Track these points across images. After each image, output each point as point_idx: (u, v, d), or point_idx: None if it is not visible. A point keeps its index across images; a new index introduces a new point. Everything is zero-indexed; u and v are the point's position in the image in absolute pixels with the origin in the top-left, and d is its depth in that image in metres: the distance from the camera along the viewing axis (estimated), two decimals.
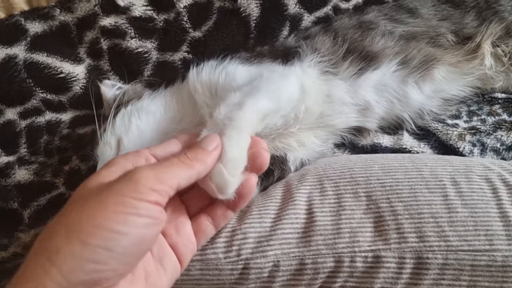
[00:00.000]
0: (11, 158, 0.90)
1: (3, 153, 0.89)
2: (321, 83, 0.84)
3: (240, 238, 0.67)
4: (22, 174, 0.89)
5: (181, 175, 0.53)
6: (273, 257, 0.65)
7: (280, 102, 0.75)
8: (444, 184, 0.68)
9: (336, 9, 1.02)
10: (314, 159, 0.86)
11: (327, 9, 1.01)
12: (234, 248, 0.66)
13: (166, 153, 0.60)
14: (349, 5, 1.02)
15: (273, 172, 0.81)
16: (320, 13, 1.00)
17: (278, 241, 0.67)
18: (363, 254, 0.63)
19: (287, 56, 0.87)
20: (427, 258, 0.62)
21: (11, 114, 0.91)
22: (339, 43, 0.88)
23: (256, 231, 0.68)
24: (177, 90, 0.90)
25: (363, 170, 0.73)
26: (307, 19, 1.00)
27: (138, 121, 0.84)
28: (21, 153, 0.91)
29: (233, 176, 0.58)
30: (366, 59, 0.86)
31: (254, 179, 0.60)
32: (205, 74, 0.85)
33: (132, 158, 0.56)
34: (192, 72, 0.87)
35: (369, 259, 0.63)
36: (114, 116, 0.84)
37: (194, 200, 0.63)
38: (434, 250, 0.62)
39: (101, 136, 0.84)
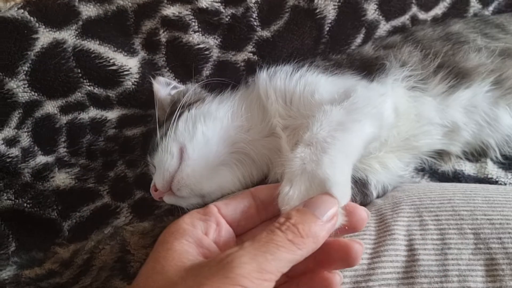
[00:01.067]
0: (49, 159, 0.79)
1: (40, 152, 0.78)
2: (410, 100, 0.76)
3: None
4: (62, 178, 0.78)
5: (290, 260, 0.40)
6: None
7: (382, 128, 0.67)
8: None
9: (414, 19, 0.94)
10: (396, 184, 0.77)
11: (405, 18, 0.93)
12: None
13: (238, 213, 0.49)
14: (428, 16, 0.95)
15: (355, 198, 0.72)
16: (397, 22, 0.92)
17: (378, 282, 0.58)
18: None
19: (370, 68, 0.78)
20: None
21: (51, 107, 0.80)
22: (431, 56, 0.79)
23: (352, 269, 0.59)
24: (245, 96, 0.81)
25: (465, 203, 0.65)
26: (383, 27, 0.92)
27: (204, 128, 0.74)
28: (60, 153, 0.80)
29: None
30: (458, 76, 0.78)
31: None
32: (280, 81, 0.77)
33: (200, 223, 0.46)
34: (263, 77, 0.79)
35: None
36: (176, 120, 0.74)
37: None
38: None
39: (159, 142, 0.74)
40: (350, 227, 0.48)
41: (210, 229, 0.46)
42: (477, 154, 0.84)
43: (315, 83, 0.74)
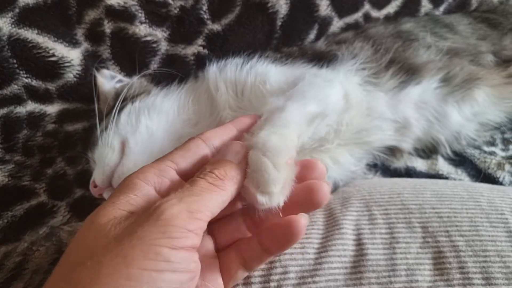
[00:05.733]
0: None
1: None
2: (363, 93, 0.75)
3: (280, 273, 0.55)
4: None
5: (214, 202, 0.42)
6: None
7: (328, 108, 0.65)
8: (506, 218, 0.60)
9: (367, 17, 0.94)
10: (347, 179, 0.76)
11: (358, 15, 0.93)
12: (272, 284, 0.54)
13: (193, 165, 0.47)
14: (380, 14, 0.95)
15: None
16: (350, 19, 0.92)
17: (325, 277, 0.55)
18: None
19: (322, 59, 0.77)
20: None
21: None
22: (382, 51, 0.79)
23: (298, 264, 0.57)
24: (193, 88, 0.78)
25: (414, 197, 0.64)
26: (336, 24, 0.92)
27: (148, 121, 0.71)
28: None
29: (278, 170, 0.46)
30: (409, 72, 0.78)
31: (303, 220, 0.48)
32: (230, 72, 0.75)
33: (155, 178, 0.44)
34: (213, 69, 0.76)
35: None
36: (118, 112, 0.70)
37: (222, 230, 0.52)
38: None
39: (100, 135, 0.69)
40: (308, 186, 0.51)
41: (162, 186, 0.44)
42: (428, 150, 0.85)
43: (266, 72, 0.72)
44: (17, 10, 0.74)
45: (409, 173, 0.81)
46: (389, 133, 0.79)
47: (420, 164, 0.83)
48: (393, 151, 0.82)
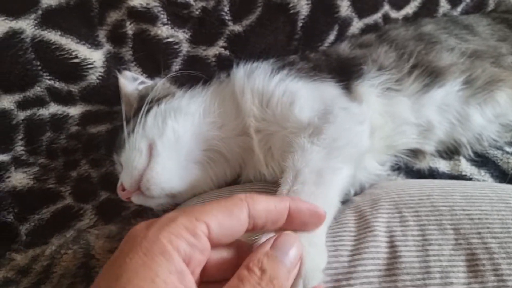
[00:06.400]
0: (4, 158, 0.72)
1: None
2: (384, 103, 0.76)
3: None
4: (19, 179, 0.72)
5: None
6: None
7: (360, 152, 0.68)
8: None
9: (386, 18, 0.94)
10: (372, 182, 0.76)
11: (377, 16, 0.93)
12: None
13: (227, 233, 0.41)
14: (399, 15, 0.95)
15: None
16: (369, 19, 0.92)
17: (359, 280, 0.55)
18: None
19: (348, 71, 0.77)
20: None
21: (7, 102, 0.73)
22: (405, 57, 0.79)
23: (332, 267, 0.56)
24: (218, 91, 0.77)
25: (444, 199, 0.64)
26: (356, 24, 0.91)
27: (175, 124, 0.70)
28: (17, 152, 0.74)
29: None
30: (432, 75, 0.78)
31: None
32: (258, 81, 0.74)
33: (186, 249, 0.38)
34: (240, 74, 0.76)
35: None
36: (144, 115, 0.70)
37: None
38: None
39: (126, 139, 0.69)
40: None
41: (192, 259, 0.38)
42: (450, 152, 0.84)
43: (295, 92, 0.72)
44: (40, 12, 0.74)
45: (433, 174, 0.81)
46: (412, 136, 0.79)
47: (442, 165, 0.82)
48: (415, 153, 0.82)
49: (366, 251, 0.57)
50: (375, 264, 0.57)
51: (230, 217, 0.40)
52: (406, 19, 0.96)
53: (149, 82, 0.82)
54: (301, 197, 0.56)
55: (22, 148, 0.75)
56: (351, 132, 0.68)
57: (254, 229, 0.41)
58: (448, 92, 0.79)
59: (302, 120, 0.68)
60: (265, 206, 0.42)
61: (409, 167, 0.82)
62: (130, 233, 0.38)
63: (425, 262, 0.56)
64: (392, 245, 0.58)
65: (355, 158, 0.67)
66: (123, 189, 0.69)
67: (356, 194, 0.74)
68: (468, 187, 0.67)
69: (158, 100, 0.73)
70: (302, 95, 0.72)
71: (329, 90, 0.75)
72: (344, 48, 0.85)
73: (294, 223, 0.45)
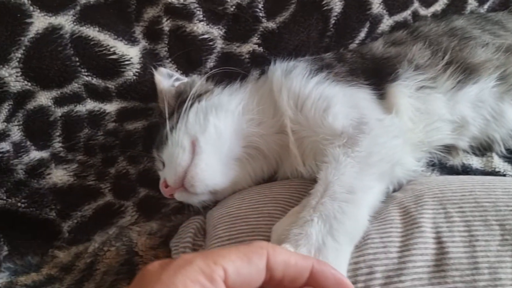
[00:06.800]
0: (44, 154, 0.72)
1: (32, 147, 0.71)
2: (417, 102, 0.76)
3: (366, 273, 0.56)
4: (59, 175, 0.72)
5: None
6: None
7: (392, 173, 0.68)
8: None
9: (415, 15, 0.94)
10: (409, 178, 0.76)
11: (407, 13, 0.93)
12: (359, 285, 0.54)
13: (244, 282, 0.39)
14: (428, 12, 0.95)
15: None
16: (399, 17, 0.92)
17: (410, 276, 0.56)
18: None
19: (383, 72, 0.78)
20: None
21: (44, 98, 0.73)
22: (440, 53, 0.79)
23: (383, 264, 0.57)
24: (256, 88, 0.78)
25: (486, 194, 0.65)
26: (386, 22, 0.92)
27: (216, 120, 0.71)
28: (55, 148, 0.73)
29: None
30: (466, 72, 0.79)
31: None
32: (296, 83, 0.74)
33: None
34: (278, 73, 0.76)
35: None
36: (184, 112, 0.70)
37: None
38: None
39: (168, 135, 0.69)
40: None
41: None
42: (483, 148, 0.85)
43: (331, 97, 0.72)
44: (78, 8, 0.73)
45: (466, 170, 0.81)
46: (447, 132, 0.79)
47: (475, 162, 0.83)
48: (449, 149, 0.82)
49: (415, 247, 0.58)
50: (424, 260, 0.57)
51: (248, 264, 0.38)
52: (435, 16, 0.96)
53: (184, 79, 0.82)
54: (329, 213, 0.56)
55: (60, 144, 0.75)
56: (386, 147, 0.68)
57: (271, 282, 0.39)
58: (482, 88, 0.79)
59: (336, 128, 0.68)
60: (285, 259, 0.39)
61: (443, 164, 0.82)
62: (143, 274, 0.36)
63: (473, 258, 0.57)
64: (439, 241, 0.59)
65: (389, 173, 0.67)
66: (167, 186, 0.69)
67: (394, 190, 0.74)
68: (508, 183, 0.68)
69: (199, 97, 0.73)
70: (338, 101, 0.72)
71: (365, 97, 0.75)
72: (378, 46, 0.85)
73: (315, 286, 0.41)
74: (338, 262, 0.52)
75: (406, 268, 0.55)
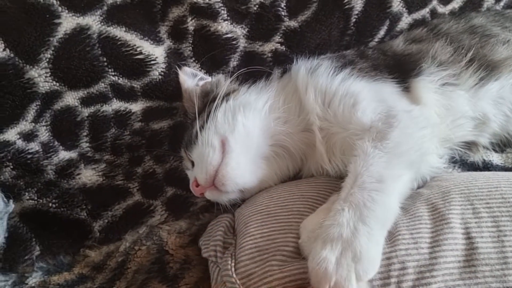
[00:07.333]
0: (72, 154, 0.72)
1: (61, 147, 0.72)
2: (441, 98, 0.77)
3: (398, 268, 0.56)
4: (88, 175, 0.72)
5: None
6: None
7: (420, 162, 0.69)
8: None
9: (433, 13, 0.95)
10: (433, 174, 0.77)
11: (425, 11, 0.94)
12: (392, 280, 0.55)
13: None
14: (446, 10, 0.96)
15: None
16: (418, 14, 0.93)
17: (441, 271, 0.57)
18: None
19: (407, 71, 0.78)
20: None
21: (71, 98, 0.73)
22: (463, 51, 0.80)
23: (414, 259, 0.58)
24: (282, 87, 0.78)
25: None
26: (405, 19, 0.92)
27: (244, 119, 0.71)
28: (83, 148, 0.74)
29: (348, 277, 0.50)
30: (487, 69, 0.79)
31: None
32: (322, 80, 0.74)
33: None
34: (302, 71, 0.77)
35: None
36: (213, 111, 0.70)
37: None
38: None
39: (198, 134, 0.69)
40: None
41: None
42: (502, 144, 0.86)
43: (357, 93, 0.72)
44: (105, 8, 0.73)
45: (487, 166, 0.82)
46: (469, 129, 0.80)
47: (496, 158, 0.84)
48: (470, 145, 0.83)
49: (445, 243, 0.59)
50: (455, 255, 0.58)
51: None
52: (452, 13, 0.97)
53: (208, 78, 0.82)
54: (358, 202, 0.57)
55: (88, 144, 0.75)
56: (414, 137, 0.69)
57: None
58: (503, 85, 0.80)
59: (365, 123, 0.69)
60: None
61: (464, 160, 0.83)
62: None
63: (502, 253, 0.58)
64: (468, 237, 0.60)
65: (417, 162, 0.68)
66: (197, 185, 0.69)
67: (419, 187, 0.75)
68: None
69: (226, 96, 0.74)
70: (365, 97, 0.72)
71: (391, 91, 0.76)
72: (399, 44, 0.86)
73: None
74: (371, 245, 0.53)
75: (437, 264, 0.56)
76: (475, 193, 0.65)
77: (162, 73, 0.78)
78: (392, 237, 0.59)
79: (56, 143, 0.73)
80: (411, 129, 0.69)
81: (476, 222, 0.61)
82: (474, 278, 0.56)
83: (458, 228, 0.60)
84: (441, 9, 0.95)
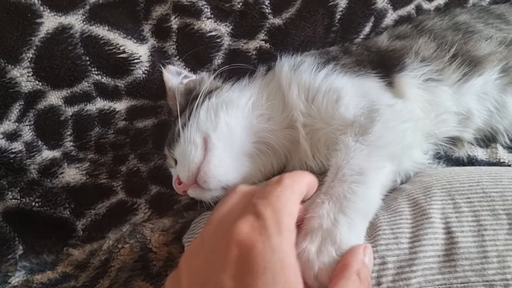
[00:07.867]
0: (56, 154, 0.72)
1: (44, 146, 0.72)
2: (425, 94, 0.77)
3: (378, 263, 0.57)
4: (72, 174, 0.72)
5: None
6: (417, 285, 0.55)
7: (402, 155, 0.69)
8: None
9: (419, 9, 0.95)
10: (416, 170, 0.77)
11: (411, 7, 0.94)
12: (372, 275, 0.56)
13: None
14: (431, 6, 0.96)
15: None
16: (403, 11, 0.93)
17: (421, 266, 0.57)
18: None
19: (389, 64, 0.78)
20: None
21: (55, 98, 0.73)
22: (446, 47, 0.80)
23: (394, 254, 0.58)
24: (265, 84, 0.78)
25: (493, 184, 0.66)
26: (390, 16, 0.92)
27: (227, 117, 0.71)
28: (67, 148, 0.74)
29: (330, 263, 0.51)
30: (471, 64, 0.80)
31: None
32: (305, 77, 0.75)
33: None
34: (285, 68, 0.77)
35: None
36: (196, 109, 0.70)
37: None
38: None
39: (180, 132, 0.69)
40: None
41: None
42: (487, 139, 0.86)
43: (340, 88, 0.73)
44: (87, 7, 0.73)
45: (472, 162, 0.82)
46: (453, 125, 0.80)
47: (480, 153, 0.84)
48: (455, 141, 0.83)
49: (425, 238, 0.59)
50: (434, 250, 0.58)
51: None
52: (438, 9, 0.97)
53: (192, 76, 0.82)
54: (339, 194, 0.57)
55: (72, 143, 0.75)
56: (396, 130, 0.69)
57: None
58: (486, 80, 0.80)
59: (348, 118, 0.69)
60: None
61: (449, 156, 0.83)
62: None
63: (482, 247, 0.58)
64: (448, 231, 0.60)
65: (399, 155, 0.68)
66: (180, 183, 0.69)
67: (402, 182, 0.75)
68: None
69: (209, 94, 0.74)
70: (348, 92, 0.73)
71: (374, 85, 0.76)
72: (383, 40, 0.86)
73: None
74: (353, 235, 0.54)
75: (417, 258, 0.57)
76: (457, 188, 0.66)
77: (146, 72, 0.78)
78: (372, 233, 0.59)
79: (39, 142, 0.73)
80: (393, 122, 0.70)
81: (456, 217, 0.61)
82: (454, 272, 0.56)
83: (438, 223, 0.61)
84: (426, 5, 0.95)
